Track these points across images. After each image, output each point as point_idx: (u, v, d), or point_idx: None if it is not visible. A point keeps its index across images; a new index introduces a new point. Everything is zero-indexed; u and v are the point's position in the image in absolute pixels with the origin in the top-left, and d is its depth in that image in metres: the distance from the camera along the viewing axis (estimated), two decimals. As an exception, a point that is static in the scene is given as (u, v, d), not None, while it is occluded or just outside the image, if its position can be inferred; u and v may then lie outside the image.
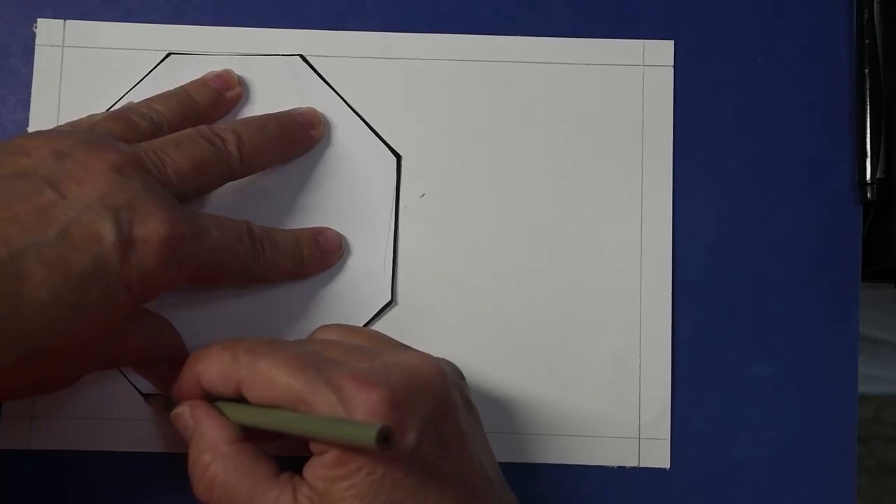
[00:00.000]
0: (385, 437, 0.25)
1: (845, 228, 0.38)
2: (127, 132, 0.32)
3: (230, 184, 0.35)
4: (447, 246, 0.37)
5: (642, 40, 0.39)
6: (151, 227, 0.28)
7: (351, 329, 0.34)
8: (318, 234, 0.36)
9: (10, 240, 0.26)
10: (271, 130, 0.35)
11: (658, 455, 0.36)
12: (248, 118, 0.37)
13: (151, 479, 0.36)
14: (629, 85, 0.38)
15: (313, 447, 0.28)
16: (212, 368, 0.30)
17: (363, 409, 0.26)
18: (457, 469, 0.28)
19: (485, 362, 0.37)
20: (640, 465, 0.36)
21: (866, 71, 0.38)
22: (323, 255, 0.36)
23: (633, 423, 0.36)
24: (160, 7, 0.38)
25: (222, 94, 0.37)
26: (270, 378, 0.28)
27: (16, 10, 0.38)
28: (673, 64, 0.39)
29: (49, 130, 0.32)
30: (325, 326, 0.34)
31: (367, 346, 0.31)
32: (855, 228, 0.38)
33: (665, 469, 0.36)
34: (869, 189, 0.38)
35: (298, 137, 0.37)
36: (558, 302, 0.37)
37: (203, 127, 0.33)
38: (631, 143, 0.38)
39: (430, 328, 0.37)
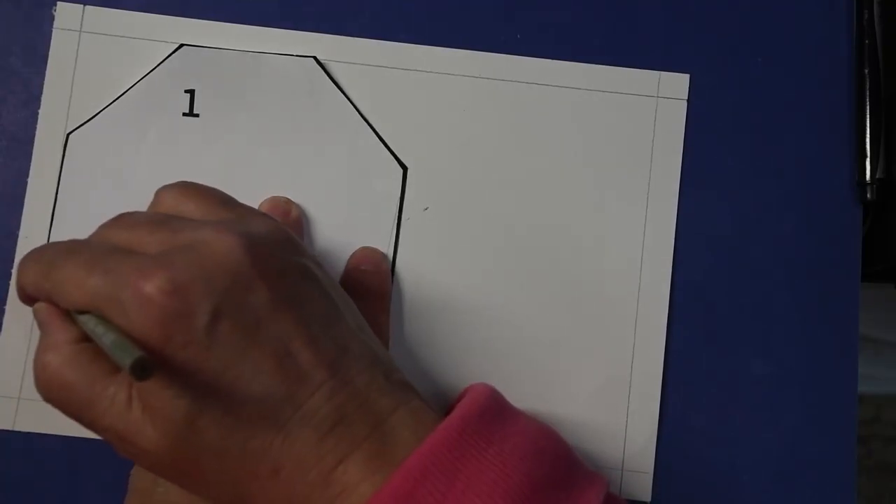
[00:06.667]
0: (142, 367, 0.24)
1: (845, 228, 0.38)
2: None
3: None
4: (445, 261, 0.37)
5: (658, 71, 0.38)
6: None
7: (185, 191, 0.31)
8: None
9: None
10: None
11: (640, 489, 0.36)
12: None
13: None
14: (641, 115, 0.38)
15: None
16: (28, 281, 0.29)
17: (136, 304, 0.26)
18: (278, 338, 0.27)
19: (478, 380, 0.36)
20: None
21: (866, 71, 0.38)
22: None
23: (618, 454, 0.36)
24: None
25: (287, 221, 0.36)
26: (65, 289, 0.27)
27: (15, 9, 0.38)
28: (687, 98, 0.39)
29: None
30: (166, 186, 0.32)
31: (176, 220, 0.29)
32: (855, 228, 0.38)
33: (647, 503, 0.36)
34: (869, 189, 0.38)
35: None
36: (553, 327, 0.37)
37: None
38: (638, 172, 0.38)
39: (424, 342, 0.36)
